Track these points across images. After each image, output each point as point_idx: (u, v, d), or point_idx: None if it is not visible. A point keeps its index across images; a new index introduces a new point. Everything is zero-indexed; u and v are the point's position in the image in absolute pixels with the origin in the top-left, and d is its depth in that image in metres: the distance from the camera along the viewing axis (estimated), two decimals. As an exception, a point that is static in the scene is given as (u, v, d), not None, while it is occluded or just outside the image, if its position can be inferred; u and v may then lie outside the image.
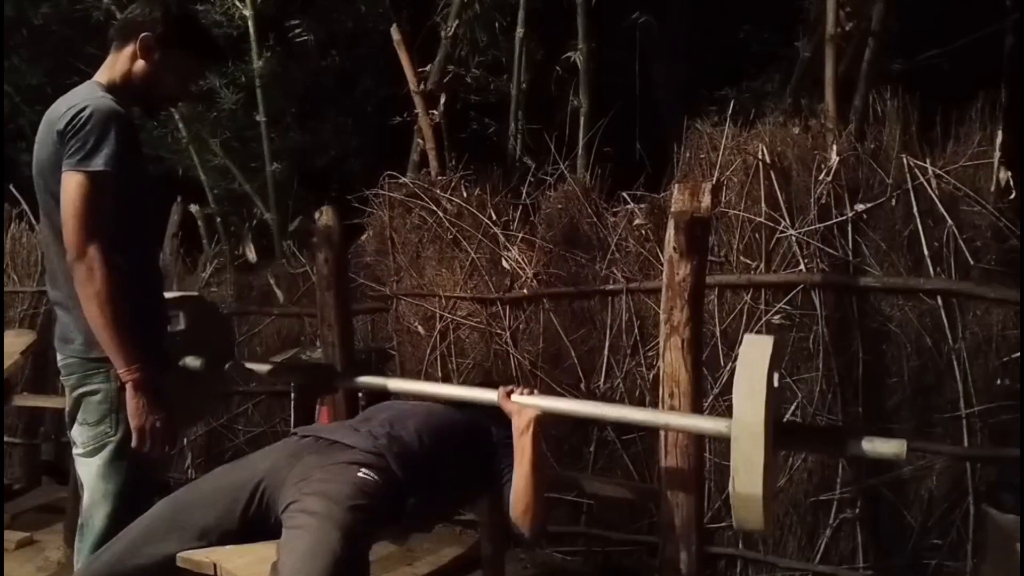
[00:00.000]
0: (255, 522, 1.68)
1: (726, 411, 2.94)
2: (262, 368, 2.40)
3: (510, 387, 1.91)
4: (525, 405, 1.86)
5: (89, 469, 1.85)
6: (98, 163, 1.73)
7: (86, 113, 1.74)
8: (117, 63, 1.92)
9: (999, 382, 2.61)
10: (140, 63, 1.91)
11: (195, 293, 1.87)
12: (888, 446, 1.52)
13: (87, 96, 1.81)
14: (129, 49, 1.91)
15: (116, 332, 1.76)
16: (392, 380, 2.32)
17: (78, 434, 1.88)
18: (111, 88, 1.89)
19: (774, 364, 1.55)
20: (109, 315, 1.75)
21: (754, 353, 1.54)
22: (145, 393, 1.77)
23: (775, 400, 1.57)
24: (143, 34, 1.89)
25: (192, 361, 2.10)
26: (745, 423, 1.49)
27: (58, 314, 1.92)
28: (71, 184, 1.73)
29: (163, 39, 1.91)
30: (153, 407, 1.78)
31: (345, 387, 2.59)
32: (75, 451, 1.90)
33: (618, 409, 2.17)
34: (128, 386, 1.77)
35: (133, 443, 1.79)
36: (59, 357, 1.90)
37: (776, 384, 1.58)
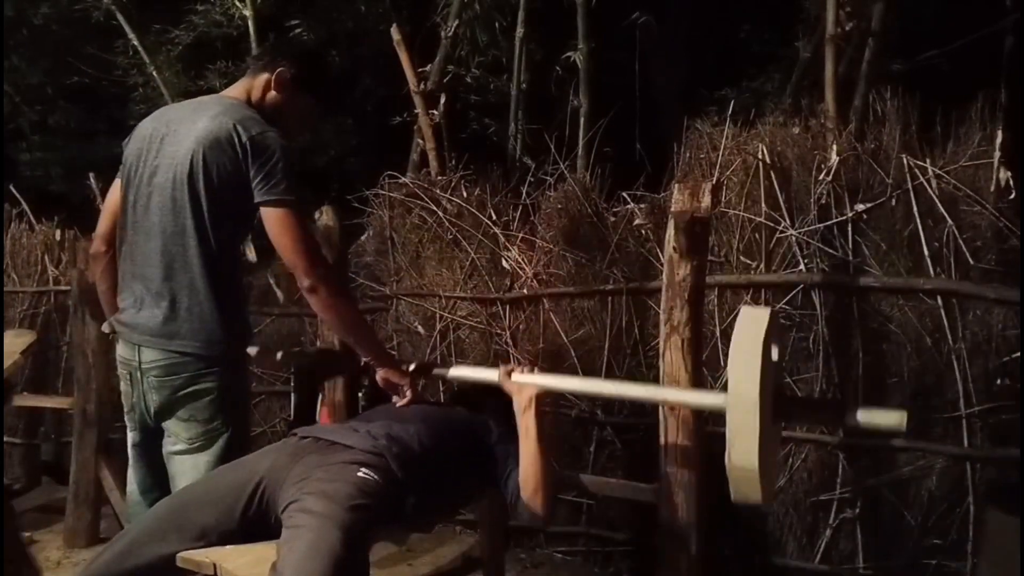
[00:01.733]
0: (255, 522, 1.68)
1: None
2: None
3: (510, 366, 1.96)
4: (524, 384, 1.90)
5: (195, 463, 1.89)
6: (296, 195, 1.87)
7: (276, 144, 1.86)
8: (253, 87, 2.04)
9: (999, 382, 2.61)
10: (272, 94, 2.03)
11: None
12: (887, 417, 1.53)
13: (257, 120, 1.91)
14: (264, 77, 2.03)
15: (370, 339, 2.05)
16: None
17: (183, 430, 1.90)
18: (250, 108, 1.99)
19: (770, 336, 1.54)
20: (358, 327, 2.01)
21: (750, 325, 1.54)
22: (404, 375, 2.04)
23: (773, 372, 1.55)
24: (280, 69, 2.01)
25: None
26: (740, 394, 1.48)
27: (154, 308, 1.89)
28: (281, 216, 1.84)
29: (297, 79, 2.03)
30: (412, 380, 2.05)
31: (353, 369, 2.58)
32: (175, 447, 1.91)
33: (616, 386, 2.19)
34: (392, 374, 2.03)
35: (401, 402, 2.02)
36: (154, 356, 1.88)
37: (774, 357, 1.56)
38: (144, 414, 1.94)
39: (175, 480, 1.92)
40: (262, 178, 1.84)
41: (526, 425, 1.86)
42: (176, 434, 1.91)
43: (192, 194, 1.85)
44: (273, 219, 1.85)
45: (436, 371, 2.17)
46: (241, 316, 2.00)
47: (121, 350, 1.96)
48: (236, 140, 1.84)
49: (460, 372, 2.14)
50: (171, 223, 1.87)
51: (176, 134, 1.90)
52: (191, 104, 2.02)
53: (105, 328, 2.10)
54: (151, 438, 1.98)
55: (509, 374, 1.92)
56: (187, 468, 1.89)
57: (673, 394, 1.92)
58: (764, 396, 1.49)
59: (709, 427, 2.85)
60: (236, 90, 2.04)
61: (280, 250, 1.86)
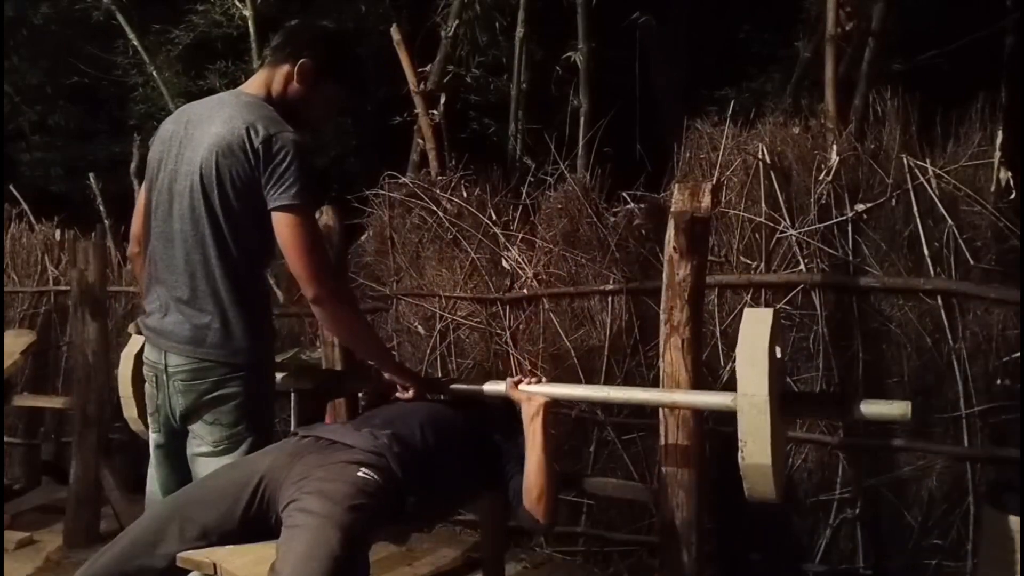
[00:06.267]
0: (256, 521, 1.67)
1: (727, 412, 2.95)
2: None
3: (518, 377, 1.98)
4: (533, 393, 1.92)
5: (219, 466, 1.87)
6: (308, 199, 1.80)
7: (289, 145, 1.78)
8: (273, 79, 1.93)
9: (999, 382, 2.61)
10: (295, 86, 1.92)
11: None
12: (892, 408, 1.56)
13: (273, 119, 1.83)
14: (286, 69, 1.92)
15: (374, 347, 2.05)
16: None
17: (208, 433, 1.88)
18: (268, 104, 1.90)
19: (775, 337, 1.58)
20: (363, 336, 2.00)
21: (755, 326, 1.58)
22: (416, 380, 2.08)
23: (778, 371, 1.59)
24: (303, 59, 1.91)
25: None
26: (749, 395, 1.53)
27: (179, 315, 1.87)
28: (290, 221, 1.78)
29: (321, 69, 1.93)
30: (416, 381, 2.09)
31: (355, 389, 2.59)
32: (200, 449, 1.89)
33: (623, 391, 2.20)
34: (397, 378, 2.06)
35: (406, 394, 2.05)
36: (180, 361, 1.86)
37: (778, 355, 1.60)
38: (169, 416, 1.93)
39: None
40: (274, 182, 1.78)
41: (533, 433, 1.88)
42: (201, 436, 1.90)
43: (207, 204, 1.82)
44: (282, 224, 1.79)
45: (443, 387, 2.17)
46: (266, 321, 1.97)
47: (148, 353, 1.95)
48: (248, 145, 1.78)
49: (466, 388, 2.14)
50: (191, 231, 1.84)
51: (192, 138, 1.86)
52: (210, 103, 1.95)
53: (131, 329, 2.09)
54: (176, 440, 1.96)
55: (517, 384, 1.96)
56: (211, 470, 1.87)
57: (682, 397, 1.93)
58: (773, 396, 1.52)
59: (709, 426, 2.88)
60: (255, 84, 1.95)
61: (287, 257, 1.82)
